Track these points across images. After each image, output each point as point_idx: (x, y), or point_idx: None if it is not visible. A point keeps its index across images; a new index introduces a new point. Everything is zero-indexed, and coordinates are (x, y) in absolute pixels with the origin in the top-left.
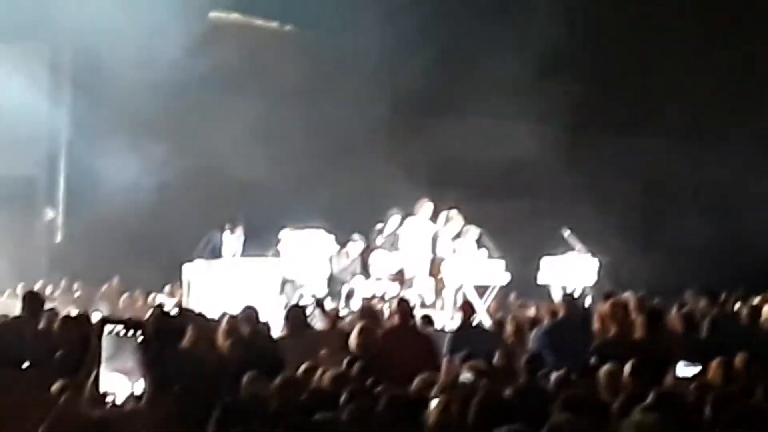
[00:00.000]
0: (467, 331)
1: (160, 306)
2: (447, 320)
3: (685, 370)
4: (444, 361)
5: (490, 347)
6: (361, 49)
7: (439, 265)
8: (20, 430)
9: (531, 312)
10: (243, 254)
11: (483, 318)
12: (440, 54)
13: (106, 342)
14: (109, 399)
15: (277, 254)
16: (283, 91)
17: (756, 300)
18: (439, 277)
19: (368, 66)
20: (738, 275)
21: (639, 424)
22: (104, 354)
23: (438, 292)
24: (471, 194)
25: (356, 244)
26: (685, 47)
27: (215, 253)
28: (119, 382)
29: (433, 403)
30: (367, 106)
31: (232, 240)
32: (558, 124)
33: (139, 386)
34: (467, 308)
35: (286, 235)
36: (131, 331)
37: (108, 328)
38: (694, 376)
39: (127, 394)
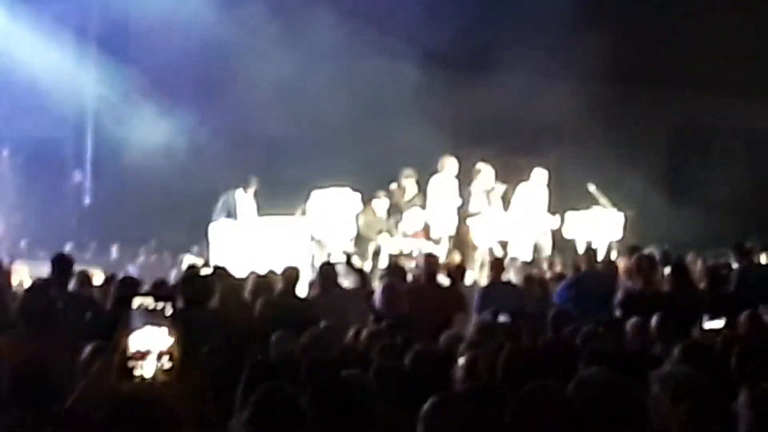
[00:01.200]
0: (496, 287)
1: (192, 267)
2: (477, 276)
3: (710, 323)
4: (473, 317)
5: (519, 303)
6: (388, 7)
7: (467, 221)
8: (49, 391)
9: (558, 267)
10: (259, 213)
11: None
12: (465, 11)
13: (134, 316)
14: (137, 372)
15: (305, 213)
16: (312, 51)
17: None
18: (469, 234)
19: (396, 24)
20: (765, 227)
21: (668, 376)
22: (133, 327)
23: (467, 247)
24: (496, 150)
25: (382, 202)
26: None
27: (230, 213)
28: (148, 356)
29: (461, 359)
30: (394, 64)
31: (247, 199)
32: (584, 79)
33: (168, 358)
34: (496, 264)
35: (315, 194)
36: (160, 304)
37: (136, 302)
38: (721, 329)
39: (156, 367)
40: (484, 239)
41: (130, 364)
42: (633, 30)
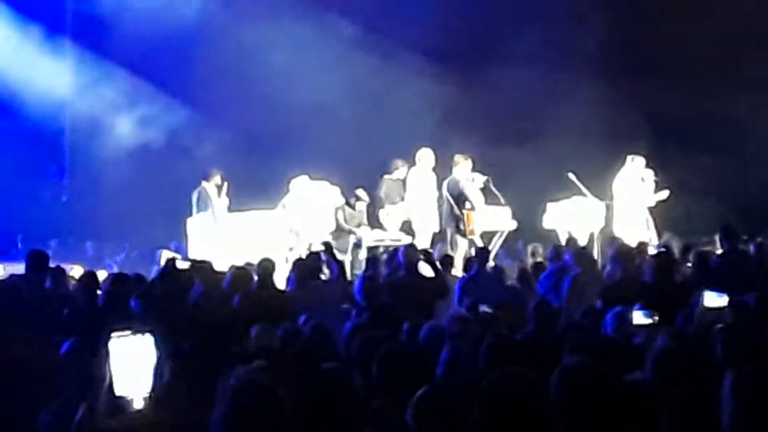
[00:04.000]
0: (479, 277)
1: (172, 260)
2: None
3: (714, 300)
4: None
5: (501, 293)
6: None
7: (466, 218)
8: (24, 387)
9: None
10: (229, 206)
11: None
12: (447, 3)
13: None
14: (126, 405)
15: (285, 207)
16: (294, 43)
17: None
18: (469, 228)
19: (384, 16)
20: (746, 214)
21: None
22: (115, 360)
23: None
24: (475, 141)
25: (362, 194)
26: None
27: (206, 207)
28: (135, 385)
29: (443, 350)
30: (365, 56)
31: (217, 192)
32: (561, 69)
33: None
34: (481, 254)
35: (294, 186)
36: (140, 334)
37: (115, 338)
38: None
39: (145, 395)
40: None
41: (117, 402)
42: (611, 20)
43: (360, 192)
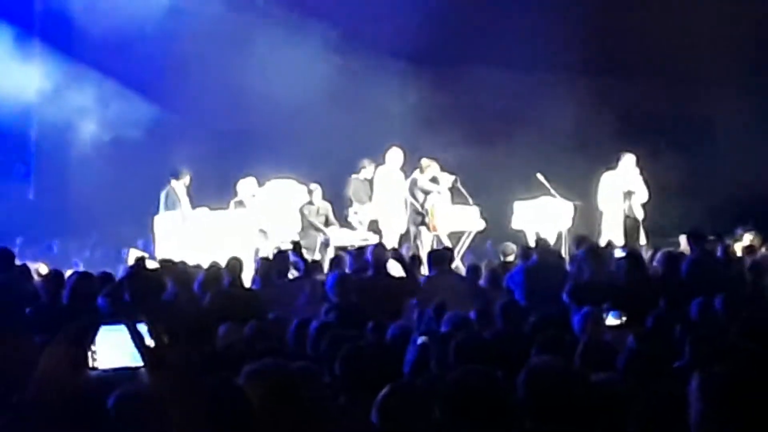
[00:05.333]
0: (444, 276)
1: (141, 259)
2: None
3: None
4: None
5: (466, 293)
6: None
7: (430, 213)
8: None
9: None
10: (193, 204)
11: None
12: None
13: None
14: (93, 363)
15: (240, 205)
16: (264, 41)
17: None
18: (432, 224)
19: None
20: (712, 214)
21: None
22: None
23: (424, 238)
24: (444, 141)
25: (313, 187)
26: None
27: (174, 205)
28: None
29: (409, 349)
30: (337, 56)
31: (182, 190)
32: (530, 67)
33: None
34: (447, 254)
35: (248, 186)
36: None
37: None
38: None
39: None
40: (440, 227)
41: (87, 355)
42: (579, 18)
43: (312, 185)
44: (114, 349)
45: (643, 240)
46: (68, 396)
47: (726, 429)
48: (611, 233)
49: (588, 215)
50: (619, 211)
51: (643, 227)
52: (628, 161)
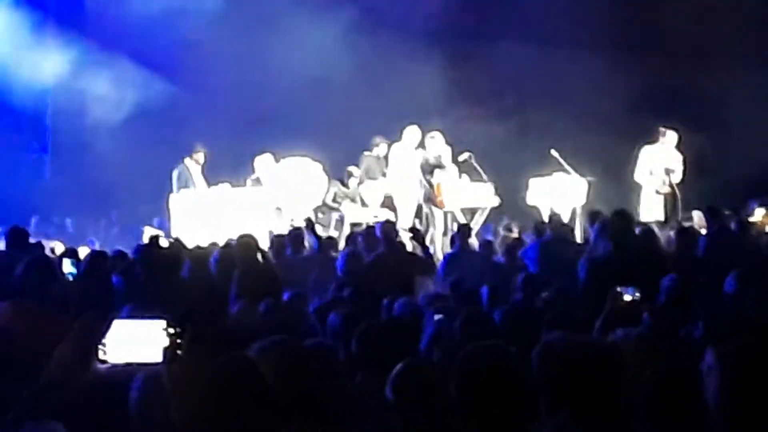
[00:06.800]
0: (462, 254)
1: (155, 237)
2: (442, 244)
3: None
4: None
5: (484, 270)
6: None
7: (435, 189)
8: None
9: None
10: (208, 181)
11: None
12: None
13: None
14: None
15: (257, 183)
16: (274, 19)
17: (751, 215)
18: (439, 199)
19: None
20: (726, 189)
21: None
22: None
23: (436, 215)
24: (457, 117)
25: (353, 171)
26: None
27: (188, 184)
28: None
29: (426, 325)
30: (358, 33)
31: (196, 169)
32: (543, 45)
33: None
34: (463, 231)
35: (265, 162)
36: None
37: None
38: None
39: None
40: (451, 205)
41: (100, 348)
42: None
43: (352, 168)
44: (128, 343)
45: (679, 215)
46: (74, 391)
47: (747, 404)
48: (651, 208)
49: (602, 191)
50: (661, 187)
51: (681, 203)
52: (671, 138)
